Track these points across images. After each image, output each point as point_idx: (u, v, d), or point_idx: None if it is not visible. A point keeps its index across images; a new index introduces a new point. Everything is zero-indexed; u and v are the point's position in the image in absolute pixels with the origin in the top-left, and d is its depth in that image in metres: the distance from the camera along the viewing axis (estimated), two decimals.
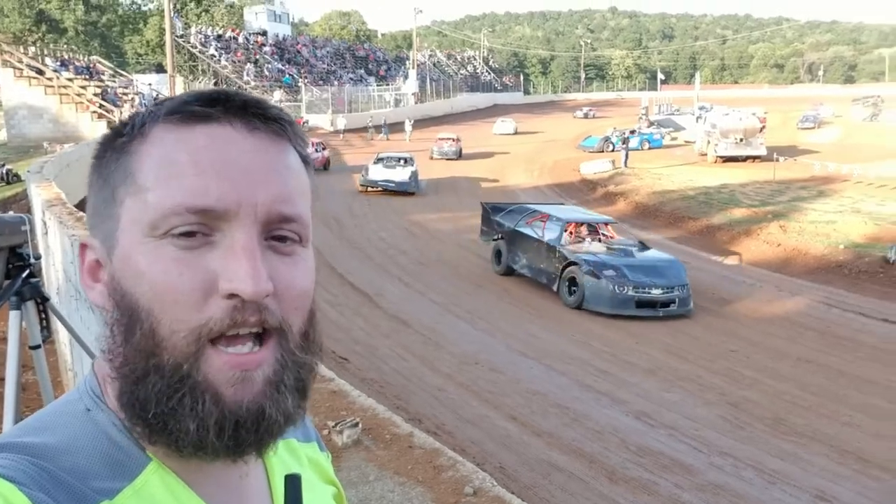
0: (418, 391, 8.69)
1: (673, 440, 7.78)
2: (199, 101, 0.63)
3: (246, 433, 0.60)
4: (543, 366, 9.87)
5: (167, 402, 0.59)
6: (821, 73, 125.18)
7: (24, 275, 2.56)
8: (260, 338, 0.62)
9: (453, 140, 35.04)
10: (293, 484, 0.70)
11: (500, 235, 15.10)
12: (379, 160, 25.80)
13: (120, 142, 0.64)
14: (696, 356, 10.54)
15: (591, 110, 63.51)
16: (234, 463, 0.64)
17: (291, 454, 0.80)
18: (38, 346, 2.71)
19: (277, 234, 0.63)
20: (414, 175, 24.64)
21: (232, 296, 0.59)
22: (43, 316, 2.68)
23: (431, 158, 32.50)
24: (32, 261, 2.61)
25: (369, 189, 24.59)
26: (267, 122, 0.64)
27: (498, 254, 15.02)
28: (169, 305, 0.59)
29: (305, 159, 0.69)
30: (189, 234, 0.60)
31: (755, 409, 8.70)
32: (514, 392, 8.87)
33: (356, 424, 4.27)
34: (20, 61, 33.28)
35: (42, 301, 2.66)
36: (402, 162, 25.72)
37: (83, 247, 0.68)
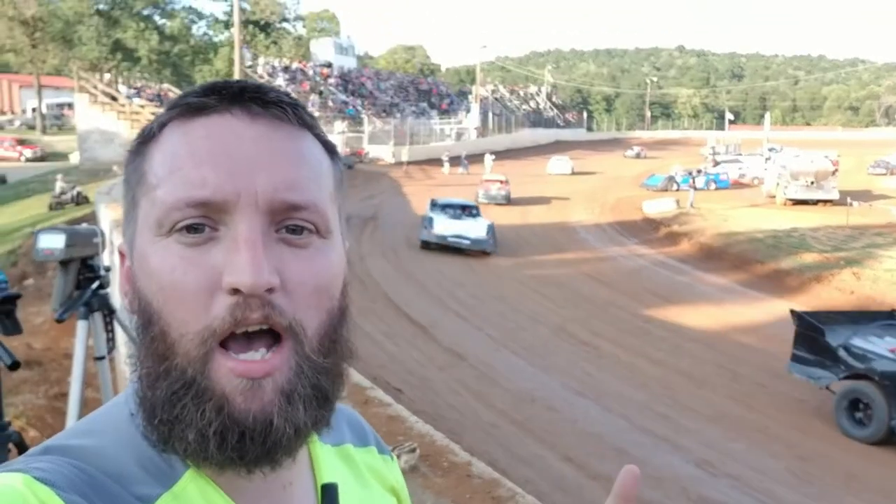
0: (472, 426, 8.54)
1: (736, 492, 7.44)
2: (196, 93, 0.62)
3: (252, 444, 0.57)
4: (600, 406, 9.61)
5: (171, 409, 0.57)
6: None
7: (93, 286, 2.58)
8: (273, 342, 0.58)
9: (501, 182, 31.06)
10: (329, 494, 0.67)
11: (858, 373, 9.22)
12: (439, 208, 21.65)
13: (136, 144, 0.64)
14: (762, 405, 10.12)
15: (642, 150, 60.50)
16: (255, 474, 0.60)
17: (345, 461, 0.76)
18: (102, 358, 2.72)
19: (290, 224, 0.60)
20: (491, 229, 20.58)
21: (234, 291, 0.56)
22: (109, 328, 2.69)
23: (477, 202, 26.98)
24: (102, 272, 2.63)
25: (432, 245, 20.13)
26: (267, 106, 0.61)
27: (855, 405, 9.15)
28: (176, 306, 0.57)
29: (326, 144, 0.66)
30: (194, 230, 0.58)
31: (826, 464, 8.28)
32: (569, 432, 8.64)
33: (414, 450, 4.18)
34: (95, 88, 34.81)
35: (109, 313, 2.68)
36: (468, 211, 21.81)
37: (120, 254, 0.67)
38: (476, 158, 44.04)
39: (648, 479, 7.53)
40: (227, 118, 0.60)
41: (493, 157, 42.93)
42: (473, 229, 20.33)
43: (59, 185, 24.32)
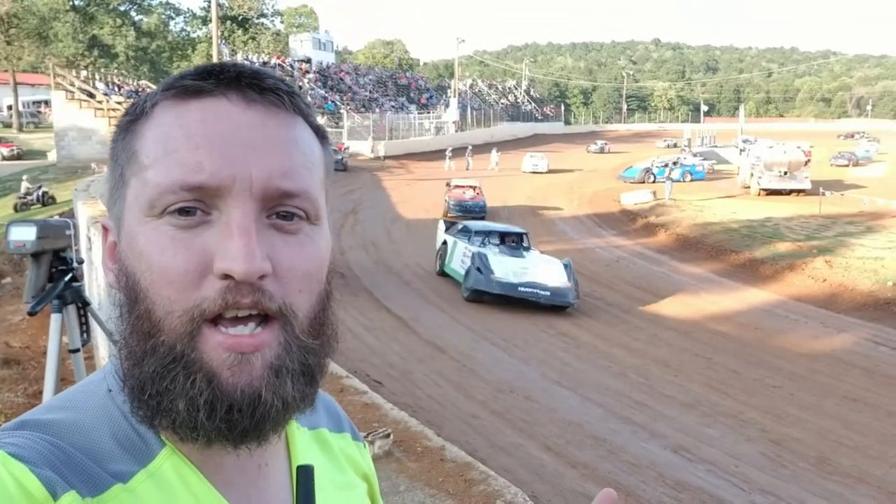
0: (452, 417, 8.60)
1: (712, 476, 7.55)
2: (192, 75, 0.62)
3: (240, 416, 0.58)
4: (579, 396, 9.71)
5: (161, 382, 0.58)
6: (869, 107, 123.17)
7: (66, 278, 2.59)
8: (264, 320, 0.59)
9: (474, 190, 25.70)
10: (305, 475, 0.67)
11: None
12: (477, 237, 16.04)
13: (126, 121, 0.64)
14: (736, 391, 10.27)
15: (606, 144, 59.39)
16: (241, 450, 0.61)
17: (321, 445, 0.78)
18: (77, 350, 2.73)
19: (281, 210, 0.60)
20: (569, 271, 14.65)
21: (226, 276, 0.57)
22: (83, 320, 2.70)
23: (446, 215, 23.21)
24: (75, 265, 2.64)
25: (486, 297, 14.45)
26: (263, 92, 0.61)
27: None
28: (164, 286, 0.58)
29: (317, 131, 0.67)
30: (186, 213, 0.58)
31: (799, 448, 8.43)
32: (548, 421, 8.72)
33: (388, 435, 4.24)
34: (72, 85, 34.38)
35: (83, 305, 2.69)
36: (518, 242, 16.48)
37: (104, 229, 0.68)
38: (480, 150, 44.27)
39: (626, 465, 7.64)
40: (223, 102, 0.60)
41: (498, 150, 42.81)
42: (548, 274, 14.51)
43: (24, 185, 23.95)
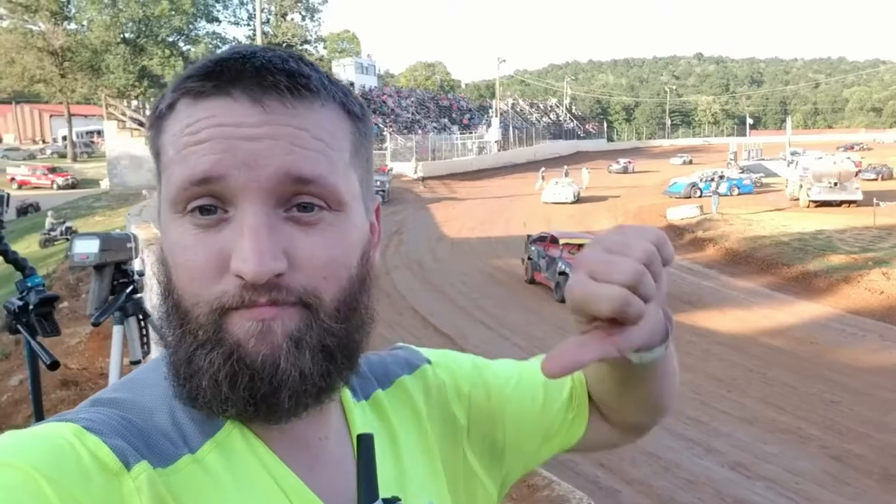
0: None
1: (772, 493, 7.37)
2: (196, 76, 0.61)
3: (260, 383, 0.59)
4: None
5: (189, 366, 0.60)
6: None
7: (128, 290, 2.65)
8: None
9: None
10: (365, 444, 0.68)
11: None
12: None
13: (154, 118, 0.65)
14: (794, 406, 10.00)
15: (629, 162, 54.21)
16: (306, 421, 0.64)
17: (377, 411, 0.78)
18: (138, 362, 2.78)
19: (299, 202, 0.60)
20: None
21: (240, 277, 0.58)
22: (144, 332, 2.75)
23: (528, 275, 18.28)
24: (136, 277, 2.70)
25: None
26: (266, 89, 0.60)
27: None
28: (188, 281, 0.60)
29: (344, 107, 0.65)
30: (207, 211, 0.59)
31: (861, 464, 8.16)
32: None
33: None
34: (123, 114, 35.39)
35: (144, 317, 2.74)
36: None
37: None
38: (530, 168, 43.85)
39: (682, 482, 7.49)
40: (227, 102, 0.59)
41: (589, 170, 41.36)
42: None
43: (48, 220, 24.32)
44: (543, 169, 40.93)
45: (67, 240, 22.94)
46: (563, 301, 7.99)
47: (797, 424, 9.35)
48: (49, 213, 26.08)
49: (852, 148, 54.41)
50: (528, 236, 19.19)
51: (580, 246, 15.58)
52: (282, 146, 0.59)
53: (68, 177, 43.61)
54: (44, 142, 67.38)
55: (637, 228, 0.62)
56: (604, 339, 0.60)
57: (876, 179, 40.91)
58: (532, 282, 17.79)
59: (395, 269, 19.19)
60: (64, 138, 57.96)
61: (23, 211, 32.75)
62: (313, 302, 0.60)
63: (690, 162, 57.81)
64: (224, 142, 0.58)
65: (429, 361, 0.86)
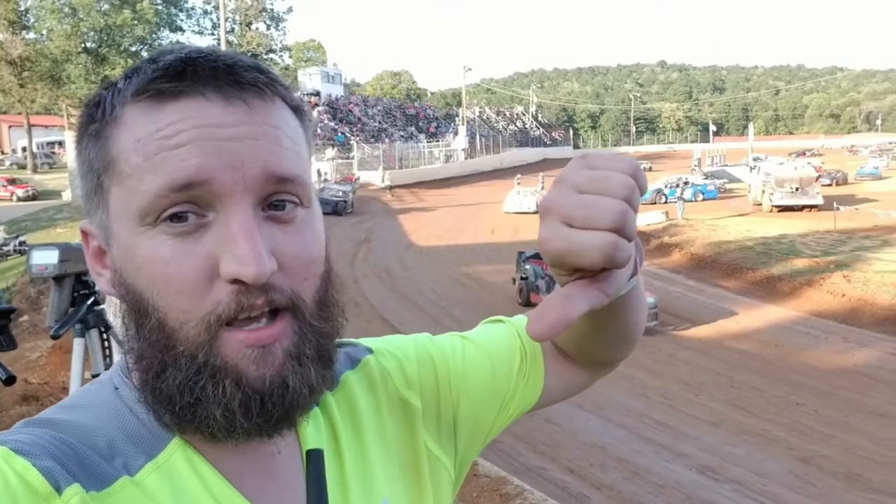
0: None
1: (740, 496, 7.44)
2: (164, 77, 0.57)
3: (273, 407, 0.57)
4: (600, 418, 9.60)
5: (190, 394, 0.57)
6: (879, 121, 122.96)
7: (89, 302, 2.58)
8: (274, 312, 0.58)
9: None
10: (314, 461, 0.65)
11: None
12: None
13: (94, 128, 0.60)
14: (760, 409, 10.13)
15: None
16: (265, 441, 0.62)
17: (325, 413, 0.74)
18: (98, 375, 2.71)
19: (275, 200, 0.59)
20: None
21: (235, 280, 0.55)
22: (106, 344, 2.68)
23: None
24: (97, 288, 2.62)
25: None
26: (242, 87, 0.58)
27: None
28: (173, 297, 0.56)
29: (297, 109, 0.64)
30: (181, 218, 0.56)
31: (827, 465, 8.28)
32: (571, 444, 8.62)
33: None
34: None
35: (105, 329, 2.67)
36: None
37: (84, 234, 0.66)
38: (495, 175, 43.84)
39: (651, 487, 7.53)
40: (200, 102, 0.57)
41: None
42: None
43: (0, 235, 23.90)
44: (519, 176, 41.01)
45: (21, 254, 22.41)
46: None
47: (763, 427, 9.47)
48: (1, 227, 25.47)
49: (804, 154, 55.29)
50: (521, 253, 16.94)
51: None
52: (263, 146, 0.58)
53: (28, 188, 42.70)
54: (2, 153, 65.96)
55: (607, 158, 0.56)
56: (588, 288, 0.55)
57: (831, 185, 41.37)
58: (528, 304, 15.75)
59: (363, 277, 19.11)
60: (24, 149, 56.73)
61: None
62: (300, 304, 0.59)
63: (650, 169, 58.38)
64: (207, 144, 0.56)
65: (370, 351, 0.82)
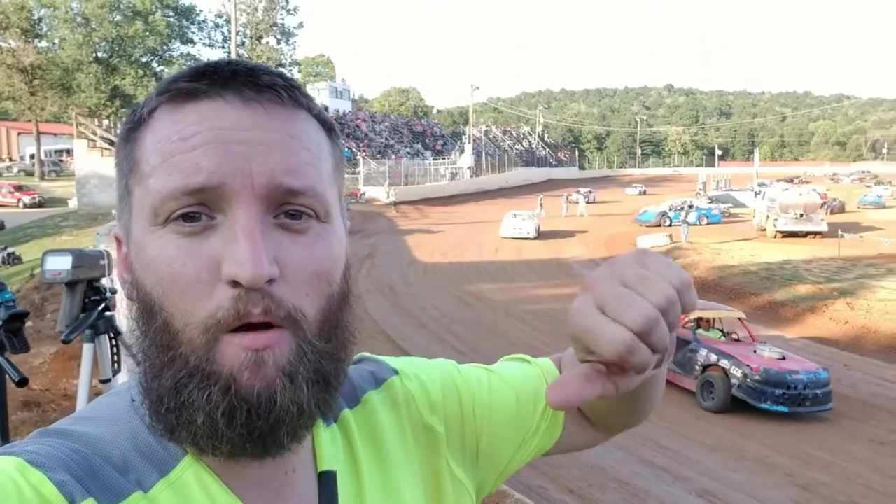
0: None
1: None
2: (186, 77, 0.59)
3: (258, 420, 0.56)
4: None
5: (178, 397, 0.56)
6: (885, 150, 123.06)
7: (100, 308, 2.60)
8: (272, 327, 0.58)
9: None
10: (327, 483, 0.65)
11: None
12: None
13: (126, 130, 0.62)
14: (761, 435, 10.10)
15: (590, 192, 50.28)
16: (265, 461, 0.61)
17: (344, 433, 0.73)
18: (108, 380, 2.73)
19: (288, 209, 0.59)
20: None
21: (234, 283, 0.55)
22: (115, 350, 2.70)
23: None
24: (108, 295, 2.65)
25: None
26: (260, 90, 0.59)
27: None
28: (177, 297, 0.56)
29: (324, 123, 0.64)
30: (191, 219, 0.57)
31: (827, 492, 8.25)
32: (570, 464, 8.59)
33: None
34: (94, 133, 35.06)
35: (115, 335, 2.69)
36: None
37: (117, 240, 0.66)
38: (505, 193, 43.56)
39: None
40: (219, 103, 0.58)
41: (588, 195, 41.05)
42: None
43: None
44: (542, 196, 40.63)
45: (10, 265, 22.33)
46: (715, 411, 9.69)
47: (764, 452, 9.43)
48: None
49: (792, 181, 55.24)
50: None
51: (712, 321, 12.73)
52: (274, 154, 0.58)
53: (35, 195, 42.91)
54: (11, 159, 66.30)
55: (661, 261, 0.56)
56: (604, 377, 0.56)
57: (826, 213, 41.04)
58: None
59: (367, 293, 19.11)
60: (32, 156, 57.05)
61: None
62: (300, 319, 0.58)
63: (644, 192, 58.32)
64: (219, 147, 0.57)
65: (396, 372, 0.82)
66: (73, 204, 36.93)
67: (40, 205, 41.35)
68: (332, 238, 0.62)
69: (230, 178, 0.56)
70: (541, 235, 29.79)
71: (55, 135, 62.02)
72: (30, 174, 54.65)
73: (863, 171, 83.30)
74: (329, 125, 0.65)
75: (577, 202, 41.95)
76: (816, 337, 16.13)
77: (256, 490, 0.62)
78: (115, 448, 0.58)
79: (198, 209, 0.57)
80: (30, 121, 51.85)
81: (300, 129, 0.61)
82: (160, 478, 0.58)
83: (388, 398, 0.79)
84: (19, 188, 44.27)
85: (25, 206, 41.21)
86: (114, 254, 0.73)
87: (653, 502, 7.67)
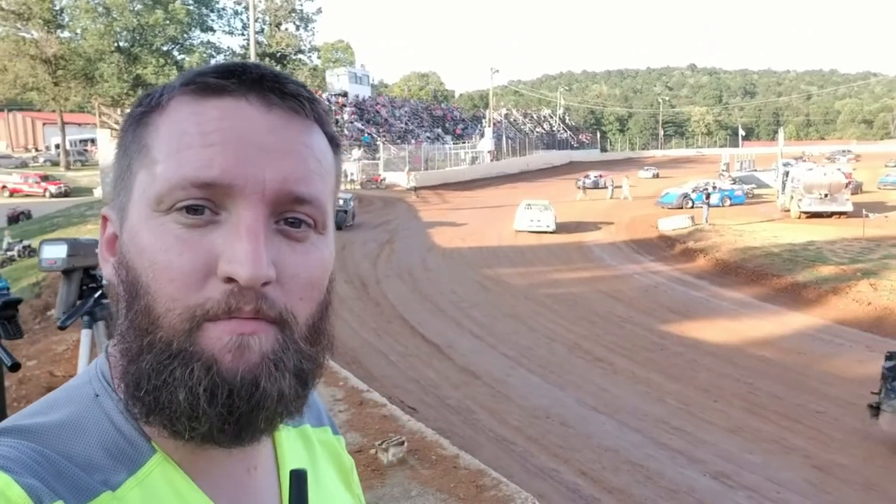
0: (486, 442, 8.55)
1: (753, 502, 7.38)
2: (214, 73, 0.61)
3: (239, 401, 0.57)
4: (616, 421, 9.58)
5: (159, 376, 0.57)
6: None
7: (96, 295, 2.66)
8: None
9: None
10: (298, 480, 0.67)
11: None
12: None
13: (138, 112, 0.63)
14: (779, 416, 10.02)
15: (600, 176, 49.91)
16: (236, 451, 0.62)
17: (304, 441, 0.78)
18: None
19: (290, 217, 0.60)
20: None
21: (229, 280, 0.56)
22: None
23: None
24: (105, 282, 2.70)
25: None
26: (285, 97, 0.61)
27: None
28: (165, 283, 0.57)
29: (332, 140, 0.67)
30: (195, 211, 0.58)
31: (844, 474, 8.18)
32: (584, 447, 8.61)
33: (402, 443, 4.30)
34: (117, 123, 35.42)
35: (112, 322, 2.75)
36: None
37: (103, 219, 0.67)
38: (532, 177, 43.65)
39: (664, 492, 7.50)
40: (242, 104, 0.59)
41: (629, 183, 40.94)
42: None
43: (6, 240, 23.98)
44: (585, 177, 40.52)
45: (27, 257, 22.66)
46: None
47: (782, 434, 9.37)
48: (6, 232, 25.78)
49: (797, 161, 54.17)
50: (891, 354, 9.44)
51: None
52: (289, 162, 0.60)
53: (61, 185, 43.51)
54: (36, 150, 67.19)
55: None
56: None
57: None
58: None
59: (385, 278, 19.20)
60: (57, 146, 57.85)
61: (14, 219, 32.65)
62: (290, 320, 0.60)
63: (657, 176, 57.60)
64: (237, 148, 0.58)
65: (340, 437, 0.88)
66: (97, 193, 37.42)
67: (66, 194, 41.92)
68: (326, 250, 0.64)
69: (241, 181, 0.58)
70: (562, 228, 28.06)
71: (79, 125, 62.79)
72: (55, 164, 55.42)
73: (843, 150, 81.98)
74: (336, 143, 0.67)
75: (622, 186, 41.77)
76: (838, 319, 15.94)
77: (223, 486, 0.64)
78: (80, 446, 0.58)
79: (203, 203, 0.58)
80: (54, 111, 52.51)
81: (314, 141, 0.63)
82: (128, 476, 0.58)
83: (335, 448, 0.85)
84: (45, 178, 44.90)
85: (52, 195, 41.81)
86: None
87: (666, 484, 7.66)
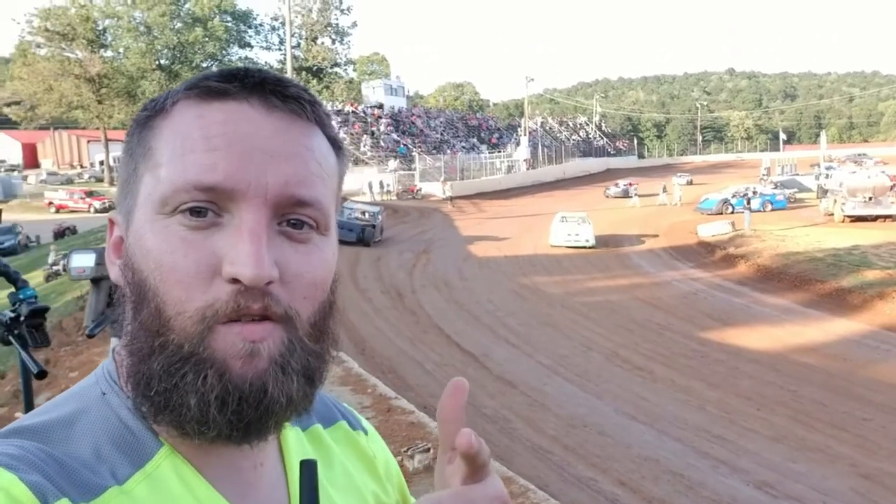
0: (522, 451, 8.47)
1: None
2: (217, 77, 0.62)
3: (248, 408, 0.58)
4: (655, 430, 9.42)
5: (170, 379, 0.58)
6: None
7: None
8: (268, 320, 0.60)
9: None
10: (308, 469, 0.66)
11: None
12: None
13: (144, 116, 0.65)
14: (824, 424, 9.77)
15: (630, 185, 46.79)
16: (243, 448, 0.63)
17: (314, 443, 0.78)
18: None
19: (292, 218, 0.61)
20: None
21: (234, 280, 0.57)
22: None
23: None
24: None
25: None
26: (286, 100, 0.62)
27: None
28: (173, 285, 0.58)
29: (334, 142, 0.67)
30: (198, 213, 0.58)
31: (892, 482, 7.94)
32: (623, 456, 8.49)
33: (428, 450, 4.27)
34: None
35: (119, 322, 2.78)
36: None
37: (110, 223, 0.68)
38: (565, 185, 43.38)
39: (705, 501, 7.36)
40: (244, 107, 0.60)
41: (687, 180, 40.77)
42: None
43: (51, 256, 24.40)
44: (615, 185, 40.19)
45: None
46: None
47: (827, 443, 9.13)
48: (52, 247, 26.35)
49: (815, 165, 52.14)
50: None
51: None
52: (290, 165, 0.61)
53: (105, 200, 44.54)
54: (81, 166, 68.95)
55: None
56: None
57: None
58: None
59: (421, 288, 19.22)
60: (101, 163, 59.29)
61: (60, 234, 33.44)
62: (294, 317, 0.61)
63: (691, 182, 55.85)
64: (240, 151, 0.59)
65: (366, 432, 0.87)
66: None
67: (110, 209, 42.86)
68: (328, 251, 0.65)
69: (244, 185, 0.59)
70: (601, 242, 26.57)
71: (122, 141, 64.18)
72: (99, 180, 56.78)
73: (859, 154, 78.74)
74: (339, 145, 0.68)
75: (675, 186, 41.50)
76: (885, 324, 15.50)
77: (231, 482, 0.64)
78: (87, 443, 0.59)
79: (206, 205, 0.58)
80: (98, 128, 53.85)
81: (316, 143, 0.64)
82: (136, 470, 0.59)
83: (355, 441, 0.83)
84: (90, 194, 46.03)
85: (96, 210, 42.84)
86: None
87: (708, 494, 7.51)
